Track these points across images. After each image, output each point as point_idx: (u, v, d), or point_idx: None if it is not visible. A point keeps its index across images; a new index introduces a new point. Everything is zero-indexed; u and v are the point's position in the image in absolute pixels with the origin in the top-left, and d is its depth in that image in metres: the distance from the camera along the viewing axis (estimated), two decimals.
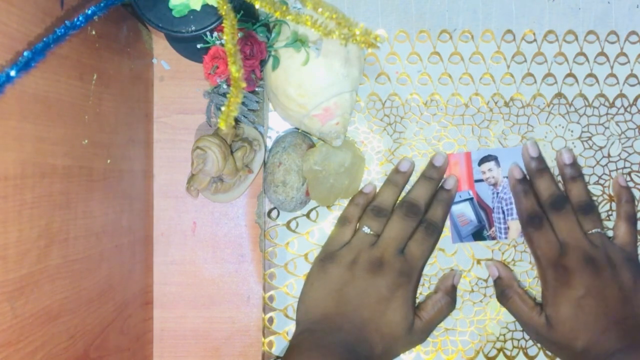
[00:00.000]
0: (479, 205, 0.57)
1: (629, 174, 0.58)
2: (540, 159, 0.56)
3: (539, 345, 0.57)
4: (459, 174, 0.58)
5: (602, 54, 0.58)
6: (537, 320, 0.54)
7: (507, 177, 0.57)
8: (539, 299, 0.57)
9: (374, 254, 0.53)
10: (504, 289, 0.56)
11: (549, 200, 0.55)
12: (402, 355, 0.57)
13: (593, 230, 0.54)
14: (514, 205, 0.57)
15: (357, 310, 0.52)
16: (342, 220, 0.56)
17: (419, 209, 0.55)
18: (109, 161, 0.49)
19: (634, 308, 0.52)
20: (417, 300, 0.57)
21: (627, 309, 0.52)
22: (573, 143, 0.58)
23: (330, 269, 0.54)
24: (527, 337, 0.57)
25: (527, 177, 0.57)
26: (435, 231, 0.55)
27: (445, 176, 0.57)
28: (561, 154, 0.56)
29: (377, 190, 0.57)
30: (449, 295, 0.56)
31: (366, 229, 0.54)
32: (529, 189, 0.56)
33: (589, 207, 0.55)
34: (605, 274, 0.52)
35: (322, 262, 0.55)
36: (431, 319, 0.55)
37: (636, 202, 0.57)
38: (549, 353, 0.57)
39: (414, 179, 0.57)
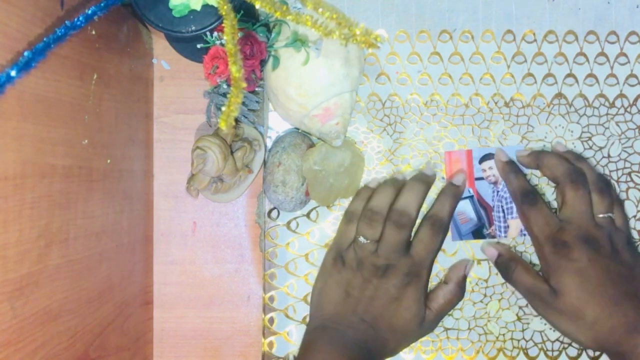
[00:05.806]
0: (479, 203, 0.57)
1: (629, 174, 0.58)
2: (534, 151, 0.56)
3: (539, 345, 0.57)
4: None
5: (602, 54, 0.58)
6: (542, 288, 0.52)
7: None
8: None
9: (377, 260, 0.53)
10: (507, 263, 0.55)
11: (567, 174, 0.53)
12: (402, 355, 0.57)
13: (605, 215, 0.53)
14: (515, 205, 0.57)
15: (368, 311, 0.52)
16: (349, 216, 0.56)
17: (409, 219, 0.53)
18: (109, 161, 0.48)
19: None
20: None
21: (634, 285, 0.51)
22: (573, 143, 0.58)
23: (340, 270, 0.54)
24: (527, 337, 0.57)
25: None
26: (441, 228, 0.54)
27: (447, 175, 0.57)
28: (557, 145, 0.57)
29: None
30: (459, 285, 0.55)
31: (362, 240, 0.53)
32: (518, 170, 0.56)
33: (605, 188, 0.54)
34: (606, 251, 0.51)
35: (333, 261, 0.55)
36: (441, 309, 0.55)
37: (636, 203, 0.57)
38: (557, 331, 0.55)
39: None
